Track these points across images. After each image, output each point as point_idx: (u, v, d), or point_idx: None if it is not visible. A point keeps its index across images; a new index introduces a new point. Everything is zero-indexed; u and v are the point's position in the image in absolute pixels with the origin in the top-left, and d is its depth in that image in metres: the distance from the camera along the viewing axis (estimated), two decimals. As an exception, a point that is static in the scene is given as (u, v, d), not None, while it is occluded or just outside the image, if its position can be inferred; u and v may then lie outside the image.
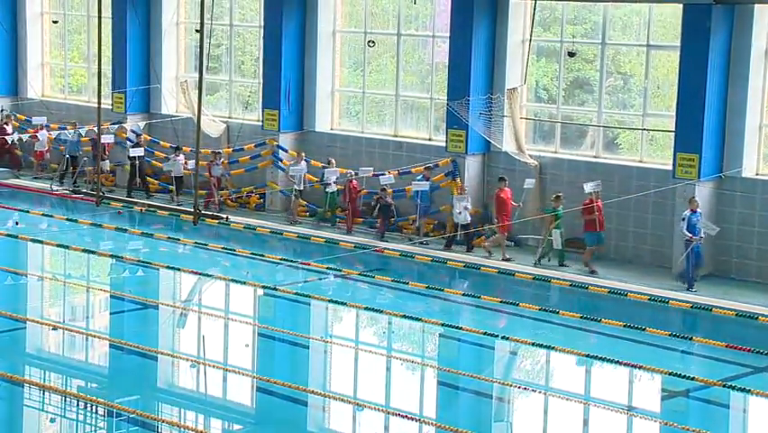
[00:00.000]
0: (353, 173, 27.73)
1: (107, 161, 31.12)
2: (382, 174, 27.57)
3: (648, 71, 25.91)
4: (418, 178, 27.05)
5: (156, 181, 31.24)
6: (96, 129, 30.86)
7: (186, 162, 29.84)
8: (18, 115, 34.61)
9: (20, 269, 24.50)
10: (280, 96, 29.59)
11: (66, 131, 31.92)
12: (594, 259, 24.50)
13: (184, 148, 30.17)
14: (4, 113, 33.90)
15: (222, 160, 29.78)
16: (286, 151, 29.60)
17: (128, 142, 31.69)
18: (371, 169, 27.88)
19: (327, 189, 27.92)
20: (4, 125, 33.37)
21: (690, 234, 23.08)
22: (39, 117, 33.37)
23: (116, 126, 31.90)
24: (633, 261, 24.60)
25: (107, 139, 30.97)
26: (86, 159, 31.75)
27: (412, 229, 27.40)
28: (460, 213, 25.84)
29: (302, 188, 28.40)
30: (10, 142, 32.60)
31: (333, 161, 28.40)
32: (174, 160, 30.14)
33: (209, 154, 29.59)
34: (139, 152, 30.88)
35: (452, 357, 20.18)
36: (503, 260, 25.10)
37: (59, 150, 32.75)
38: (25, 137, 32.50)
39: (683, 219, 23.26)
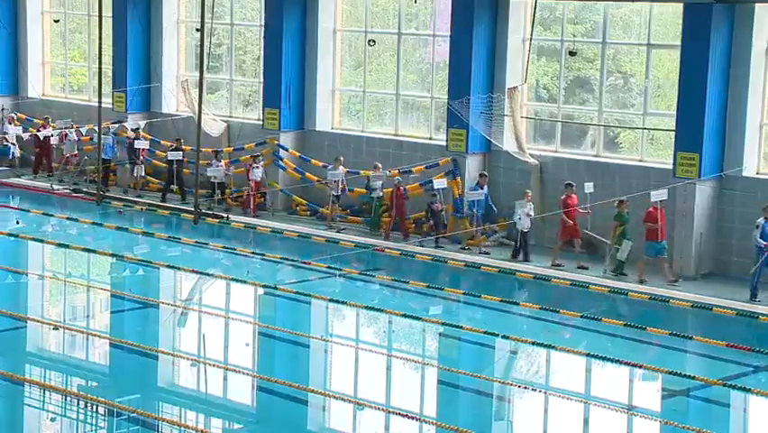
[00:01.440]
0: (400, 179, 27.03)
1: (143, 165, 30.87)
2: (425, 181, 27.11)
3: (649, 70, 25.91)
4: (472, 186, 26.28)
5: (156, 180, 31.20)
6: (96, 128, 31.10)
7: (227, 168, 29.56)
8: (19, 114, 34.61)
9: (20, 268, 24.51)
10: (281, 96, 29.58)
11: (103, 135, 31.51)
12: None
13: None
14: (46, 118, 33.31)
15: (261, 162, 29.17)
16: (287, 150, 29.60)
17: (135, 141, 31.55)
18: (446, 180, 26.82)
19: (372, 195, 27.35)
20: (42, 128, 32.69)
21: (765, 243, 22.55)
22: (63, 120, 32.77)
23: (135, 128, 31.54)
24: (633, 260, 24.53)
25: (142, 144, 30.76)
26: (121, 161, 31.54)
27: (412, 228, 27.34)
28: (520, 218, 25.02)
29: (339, 194, 27.88)
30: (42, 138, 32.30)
31: (380, 165, 27.71)
32: (216, 165, 29.47)
33: (249, 159, 29.20)
34: (177, 155, 30.14)
35: (506, 367, 20.12)
36: (553, 265, 24.49)
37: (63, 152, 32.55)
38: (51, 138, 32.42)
39: (757, 227, 22.64)
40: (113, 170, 31.87)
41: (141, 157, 30.97)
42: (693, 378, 18.59)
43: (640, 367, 19.14)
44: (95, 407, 16.37)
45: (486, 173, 26.38)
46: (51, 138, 32.35)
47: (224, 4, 32.09)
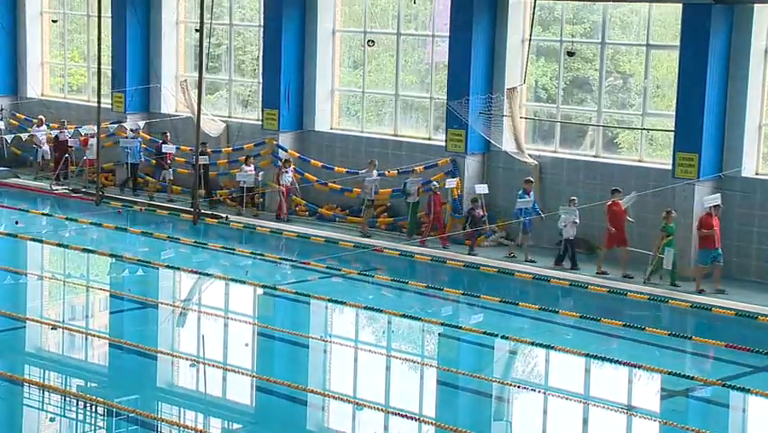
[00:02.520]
0: (437, 184, 26.54)
1: (171, 170, 30.39)
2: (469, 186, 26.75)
3: (648, 71, 25.91)
4: (519, 192, 25.44)
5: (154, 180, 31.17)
6: (95, 128, 31.09)
7: (257, 173, 29.05)
8: (18, 114, 34.61)
9: (20, 268, 24.51)
10: (280, 96, 29.58)
11: (128, 139, 31.16)
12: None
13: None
14: (63, 121, 32.83)
15: (292, 167, 28.77)
16: (286, 150, 29.60)
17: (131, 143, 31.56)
18: (456, 180, 26.79)
19: (408, 200, 26.86)
20: (60, 133, 32.30)
21: None
22: (88, 126, 31.75)
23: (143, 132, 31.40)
24: (634, 260, 24.50)
25: (169, 149, 30.28)
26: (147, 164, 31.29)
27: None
28: (565, 226, 24.37)
29: (374, 198, 27.48)
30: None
31: (418, 170, 27.43)
32: (246, 170, 28.91)
33: (281, 163, 28.84)
34: (203, 160, 29.50)
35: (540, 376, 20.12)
36: (598, 273, 24.00)
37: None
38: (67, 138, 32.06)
39: None
40: (141, 175, 31.36)
41: (169, 161, 30.41)
42: (692, 378, 18.60)
43: (639, 367, 19.15)
44: (94, 407, 16.36)
45: (532, 179, 25.67)
46: (69, 141, 31.90)
47: (223, 4, 32.09)
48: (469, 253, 25.54)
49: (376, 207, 28.05)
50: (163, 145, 30.50)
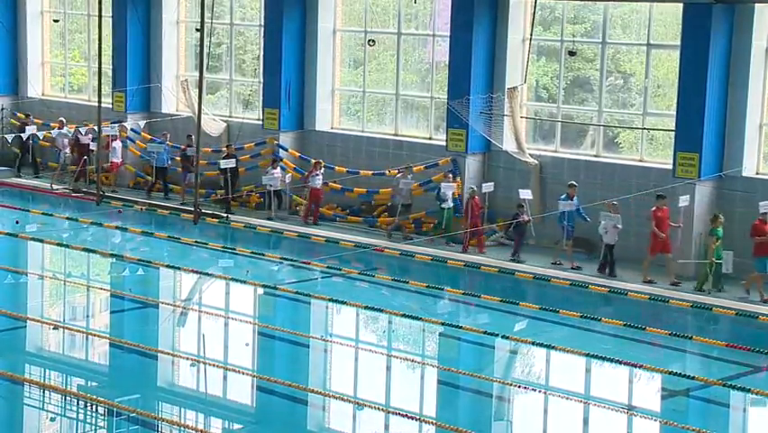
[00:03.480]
0: (474, 188, 25.96)
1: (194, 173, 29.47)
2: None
3: (648, 70, 25.91)
4: (562, 197, 24.80)
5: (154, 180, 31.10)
6: (96, 128, 31.08)
7: (283, 176, 28.46)
8: (18, 114, 34.59)
9: (20, 268, 24.51)
10: (281, 95, 29.58)
11: (156, 143, 30.63)
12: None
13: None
14: (85, 123, 32.03)
15: (322, 170, 28.11)
16: (286, 150, 29.59)
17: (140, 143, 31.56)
18: (492, 184, 26.32)
19: (443, 205, 26.18)
20: (80, 135, 31.76)
21: None
22: (110, 127, 31.15)
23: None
24: (634, 260, 24.51)
25: (193, 152, 29.26)
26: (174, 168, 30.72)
27: (412, 228, 27.34)
28: (606, 231, 23.88)
29: (410, 203, 27.00)
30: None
31: (451, 176, 26.55)
32: (271, 174, 28.35)
33: (312, 164, 28.32)
34: (230, 163, 28.91)
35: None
36: (645, 281, 23.43)
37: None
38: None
39: None
40: (169, 181, 30.74)
41: (194, 164, 29.38)
42: (693, 378, 18.59)
43: (640, 367, 19.15)
44: (94, 407, 16.37)
45: (575, 183, 24.99)
46: (91, 144, 31.37)
47: (224, 3, 32.09)
48: (512, 260, 24.88)
49: (407, 209, 27.26)
50: (188, 148, 29.81)
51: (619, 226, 23.86)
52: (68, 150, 32.34)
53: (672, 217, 23.86)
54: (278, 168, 28.64)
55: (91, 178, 31.33)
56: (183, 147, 30.30)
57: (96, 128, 30.79)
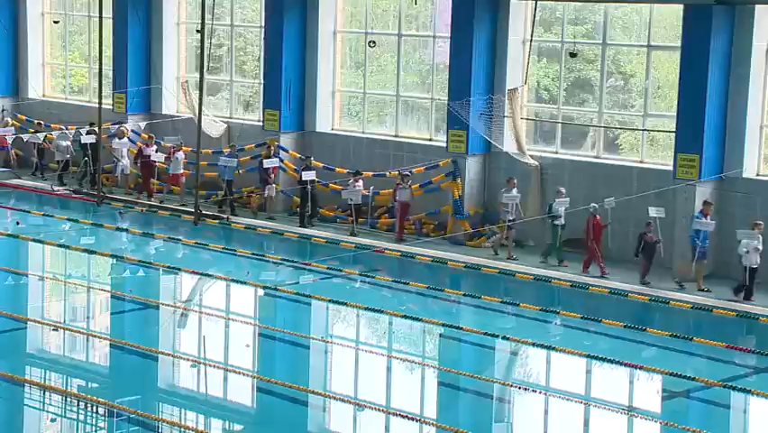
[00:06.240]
0: (596, 205, 24.36)
1: (273, 185, 28.64)
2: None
3: (649, 72, 25.91)
4: (696, 215, 23.49)
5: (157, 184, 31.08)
6: (96, 129, 31.10)
7: (367, 189, 27.39)
8: (19, 116, 34.62)
9: (21, 269, 24.52)
10: (281, 97, 29.59)
11: (228, 156, 29.22)
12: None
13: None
14: (151, 136, 30.92)
15: (410, 182, 26.89)
16: (287, 151, 29.59)
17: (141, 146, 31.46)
18: (613, 199, 24.44)
19: (555, 222, 24.78)
20: (146, 146, 30.74)
21: None
22: (172, 137, 30.60)
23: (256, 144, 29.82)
24: (634, 261, 24.51)
25: (272, 163, 28.57)
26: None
27: (412, 230, 27.34)
28: (747, 252, 22.39)
29: (514, 218, 25.39)
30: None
31: (563, 189, 25.15)
32: (353, 186, 27.26)
33: (396, 176, 27.02)
34: (311, 175, 27.72)
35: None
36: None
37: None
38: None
39: None
40: (243, 194, 29.74)
41: (273, 176, 28.74)
42: (693, 379, 18.59)
43: (640, 368, 19.15)
44: (95, 408, 16.37)
45: (711, 201, 23.53)
46: (154, 156, 30.23)
47: (225, 5, 32.10)
48: (641, 283, 23.44)
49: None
50: (265, 160, 28.61)
51: (760, 247, 22.45)
52: (126, 160, 31.15)
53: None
54: (360, 180, 27.46)
55: (152, 190, 30.43)
56: (261, 158, 28.98)
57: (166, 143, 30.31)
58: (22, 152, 33.61)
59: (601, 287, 23.44)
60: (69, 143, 31.99)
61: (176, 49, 32.65)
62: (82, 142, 31.25)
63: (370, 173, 28.27)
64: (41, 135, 32.51)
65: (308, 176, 27.71)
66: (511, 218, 25.33)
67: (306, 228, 27.58)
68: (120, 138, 31.33)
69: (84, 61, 35.30)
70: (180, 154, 30.04)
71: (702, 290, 22.98)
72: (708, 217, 23.27)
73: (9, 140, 32.80)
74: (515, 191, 25.54)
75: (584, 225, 24.35)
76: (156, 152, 30.39)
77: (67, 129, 32.18)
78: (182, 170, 30.00)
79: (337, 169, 28.87)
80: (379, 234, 27.35)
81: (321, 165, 29.01)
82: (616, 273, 24.09)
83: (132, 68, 32.20)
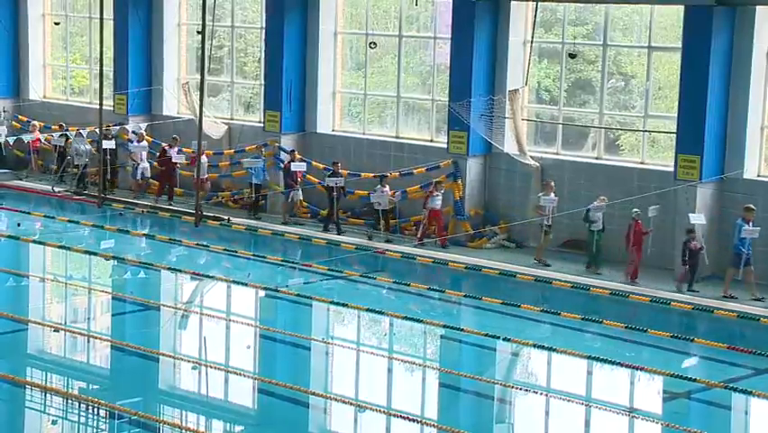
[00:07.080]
0: (638, 211, 23.74)
1: (299, 190, 28.34)
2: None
3: (650, 73, 25.91)
4: (737, 222, 22.87)
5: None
6: (97, 130, 31.05)
7: (393, 194, 26.94)
8: (20, 117, 34.61)
9: (21, 270, 24.52)
10: (282, 98, 29.59)
11: (253, 158, 29.00)
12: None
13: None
14: (175, 138, 30.54)
15: (442, 190, 26.40)
16: (287, 152, 29.57)
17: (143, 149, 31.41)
18: (657, 207, 23.88)
19: (593, 228, 24.30)
20: (169, 147, 30.36)
21: None
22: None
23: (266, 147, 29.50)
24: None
25: (299, 167, 28.30)
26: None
27: (413, 231, 27.34)
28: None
29: (551, 223, 24.99)
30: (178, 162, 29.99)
31: (604, 197, 24.58)
32: (381, 191, 26.95)
33: (432, 184, 26.52)
34: (339, 181, 27.28)
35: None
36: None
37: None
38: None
39: None
40: (264, 196, 29.24)
41: (299, 181, 28.45)
42: (694, 380, 18.59)
43: (641, 369, 19.14)
44: (96, 409, 16.37)
45: (753, 207, 23.06)
46: (174, 157, 29.97)
47: (225, 6, 32.11)
48: (688, 291, 22.96)
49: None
50: (291, 163, 28.37)
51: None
52: (145, 163, 30.85)
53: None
54: (387, 185, 27.10)
55: (171, 193, 30.24)
56: (286, 162, 28.71)
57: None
58: (42, 156, 33.44)
59: (641, 295, 22.93)
60: (89, 146, 31.70)
61: (176, 50, 32.66)
62: (103, 147, 31.07)
63: (371, 174, 28.29)
64: (61, 138, 32.22)
65: (332, 182, 27.37)
66: (548, 223, 25.01)
67: (330, 234, 27.27)
68: (139, 141, 31.18)
69: (84, 63, 35.31)
70: (204, 158, 29.39)
71: (756, 299, 22.54)
72: (752, 223, 22.83)
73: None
74: (552, 195, 25.19)
75: (616, 229, 24.02)
76: (177, 153, 30.21)
77: (84, 132, 31.90)
78: (207, 174, 29.35)
79: (362, 174, 28.24)
80: (406, 239, 26.89)
81: (321, 167, 28.97)
82: (614, 274, 24.02)
83: (132, 69, 32.21)
